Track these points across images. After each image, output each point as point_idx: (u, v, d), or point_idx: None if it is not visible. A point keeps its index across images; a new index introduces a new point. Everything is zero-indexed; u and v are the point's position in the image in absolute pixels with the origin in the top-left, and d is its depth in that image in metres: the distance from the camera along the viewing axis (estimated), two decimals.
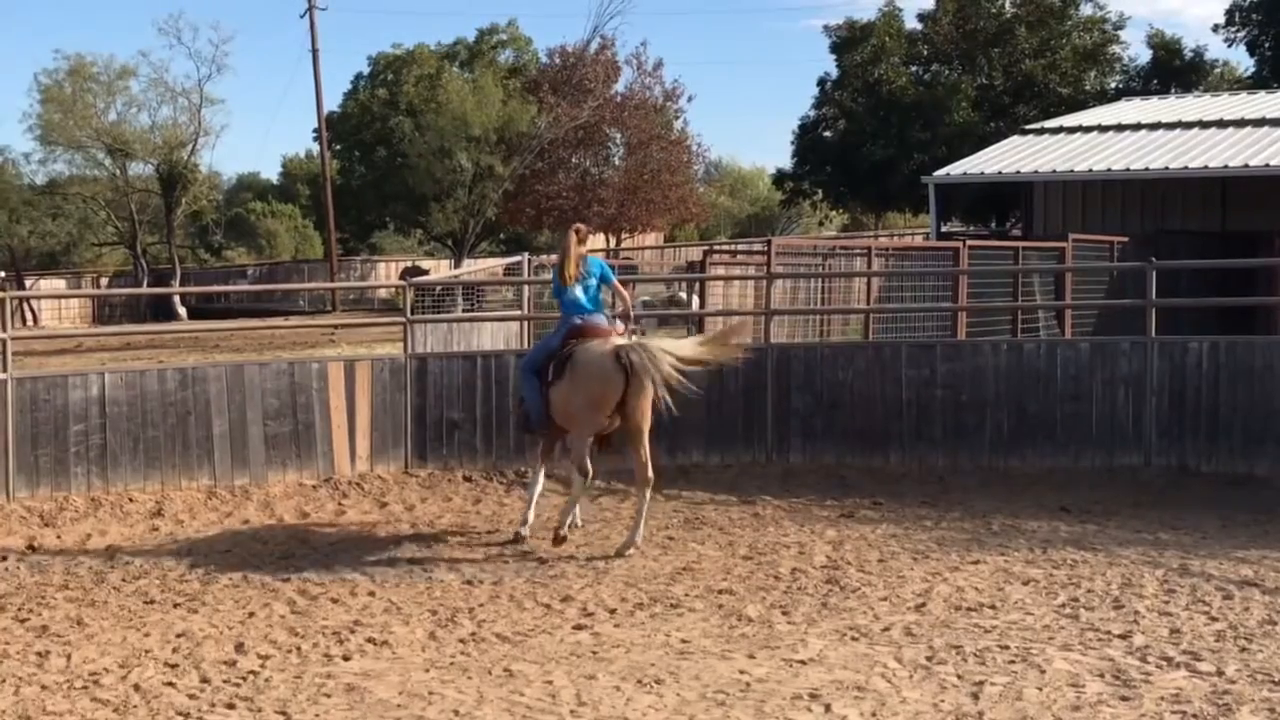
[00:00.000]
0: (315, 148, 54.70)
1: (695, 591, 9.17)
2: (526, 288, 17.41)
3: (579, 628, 8.32)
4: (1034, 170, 25.70)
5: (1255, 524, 11.16)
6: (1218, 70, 47.74)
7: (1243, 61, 50.24)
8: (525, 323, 17.37)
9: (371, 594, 9.20)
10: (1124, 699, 6.78)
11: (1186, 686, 6.96)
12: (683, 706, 6.78)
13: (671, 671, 7.33)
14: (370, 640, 8.05)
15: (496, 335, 18.29)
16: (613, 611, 8.67)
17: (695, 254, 32.01)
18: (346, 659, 7.71)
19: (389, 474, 13.16)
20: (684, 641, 7.95)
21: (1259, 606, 8.57)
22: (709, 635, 8.09)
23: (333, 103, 54.69)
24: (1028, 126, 31.53)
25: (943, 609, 8.61)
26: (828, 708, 6.71)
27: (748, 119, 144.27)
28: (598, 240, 50.72)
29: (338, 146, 53.95)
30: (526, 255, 20.18)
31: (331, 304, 46.94)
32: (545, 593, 9.18)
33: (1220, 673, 7.19)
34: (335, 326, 29.65)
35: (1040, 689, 6.95)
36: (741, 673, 7.29)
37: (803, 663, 7.48)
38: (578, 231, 10.98)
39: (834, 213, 58.75)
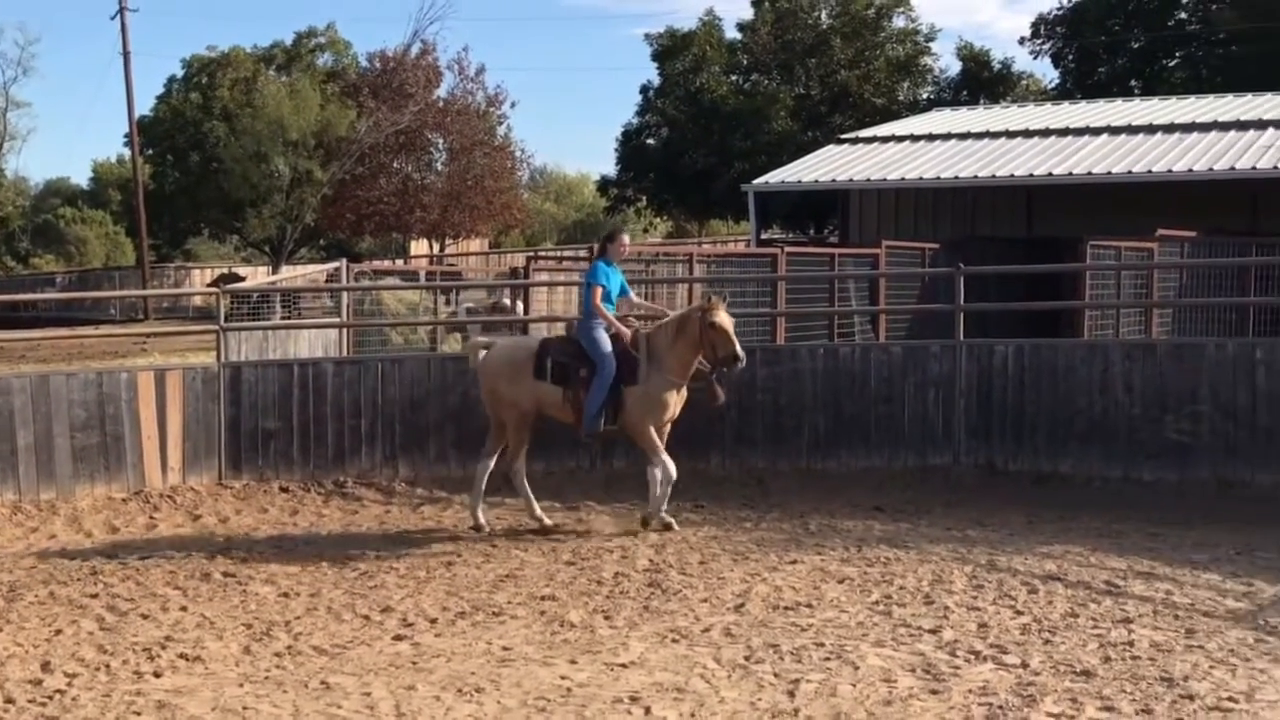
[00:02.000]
0: (127, 152, 53.30)
1: (518, 599, 9.15)
2: (346, 294, 17.18)
3: (399, 638, 8.23)
4: (849, 178, 26.24)
5: (1059, 520, 11.56)
6: (1024, 82, 49.33)
7: (1048, 73, 52.03)
8: (344, 330, 17.13)
9: (184, 609, 8.98)
10: (934, 692, 6.96)
11: (993, 679, 7.18)
12: (503, 714, 6.76)
13: (492, 679, 7.30)
14: (182, 656, 7.86)
15: (314, 343, 17.99)
16: (433, 621, 8.61)
17: (520, 260, 31.95)
18: (157, 675, 7.51)
19: (202, 486, 12.87)
20: (506, 649, 7.93)
21: (1062, 600, 8.87)
22: (531, 642, 8.08)
23: (145, 106, 53.16)
24: (843, 136, 32.18)
25: (761, 609, 8.74)
26: (648, 710, 6.76)
27: (573, 126, 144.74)
28: (420, 246, 50.39)
29: (150, 151, 52.57)
30: (345, 261, 19.92)
31: (144, 312, 45.66)
32: (364, 603, 9.06)
33: (1025, 665, 7.43)
34: (147, 335, 28.85)
35: (854, 685, 7.10)
36: (563, 678, 7.30)
37: (624, 666, 7.52)
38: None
39: (658, 219, 59.17)
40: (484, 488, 11.68)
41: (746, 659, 7.61)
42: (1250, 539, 10.72)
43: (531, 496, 11.64)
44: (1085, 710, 6.65)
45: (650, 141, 48.32)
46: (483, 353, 11.90)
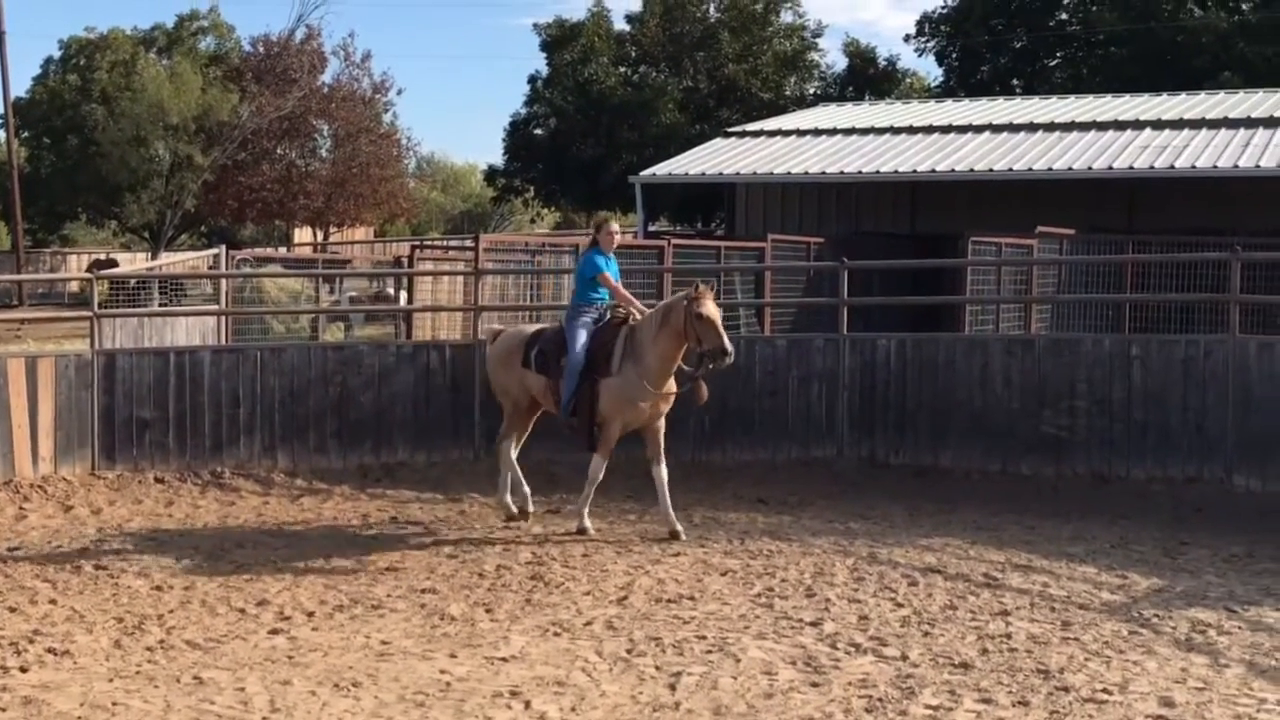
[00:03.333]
0: (1, 135, 51.79)
1: (398, 591, 9.02)
2: (225, 281, 16.86)
3: (275, 632, 8.08)
4: (736, 172, 26.32)
5: (939, 513, 11.69)
6: (909, 79, 49.89)
7: (932, 71, 52.70)
8: (223, 318, 16.80)
9: (53, 602, 8.73)
10: (814, 685, 6.98)
11: (873, 671, 7.22)
12: (380, 709, 6.65)
13: (370, 674, 7.18)
14: (50, 650, 7.63)
15: (192, 331, 17.62)
16: (310, 614, 8.46)
17: (405, 249, 31.65)
18: (24, 670, 7.29)
19: (75, 476, 12.53)
20: (384, 643, 7.81)
21: (941, 592, 8.96)
22: (410, 635, 7.97)
23: (20, 88, 51.73)
24: (730, 129, 32.28)
25: (644, 601, 8.71)
26: (528, 705, 6.69)
27: (460, 115, 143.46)
28: (304, 234, 49.69)
29: (26, 134, 51.16)
30: (224, 248, 19.55)
31: (18, 298, 44.48)
32: (240, 597, 8.88)
33: (905, 657, 7.48)
34: (21, 322, 28.07)
35: (735, 678, 7.09)
36: (442, 672, 7.21)
37: (504, 660, 7.44)
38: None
39: (546, 210, 58.95)
40: (516, 476, 11.52)
41: (629, 652, 7.58)
42: (1125, 532, 10.93)
43: (508, 484, 11.45)
44: (963, 702, 6.71)
45: (538, 132, 48.07)
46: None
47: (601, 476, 10.86)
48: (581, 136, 44.40)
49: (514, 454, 11.55)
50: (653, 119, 43.32)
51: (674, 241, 19.32)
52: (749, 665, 7.32)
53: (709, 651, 7.57)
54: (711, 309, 10.39)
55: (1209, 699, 6.76)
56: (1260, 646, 7.73)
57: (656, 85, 44.78)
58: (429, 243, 38.84)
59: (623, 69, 47.01)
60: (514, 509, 11.40)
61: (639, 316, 10.90)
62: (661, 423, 10.91)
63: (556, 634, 7.98)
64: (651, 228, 34.91)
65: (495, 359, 11.64)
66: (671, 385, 10.76)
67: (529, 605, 8.66)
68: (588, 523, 10.93)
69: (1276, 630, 8.08)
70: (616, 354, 10.73)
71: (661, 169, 27.95)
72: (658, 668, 7.29)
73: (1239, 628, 8.13)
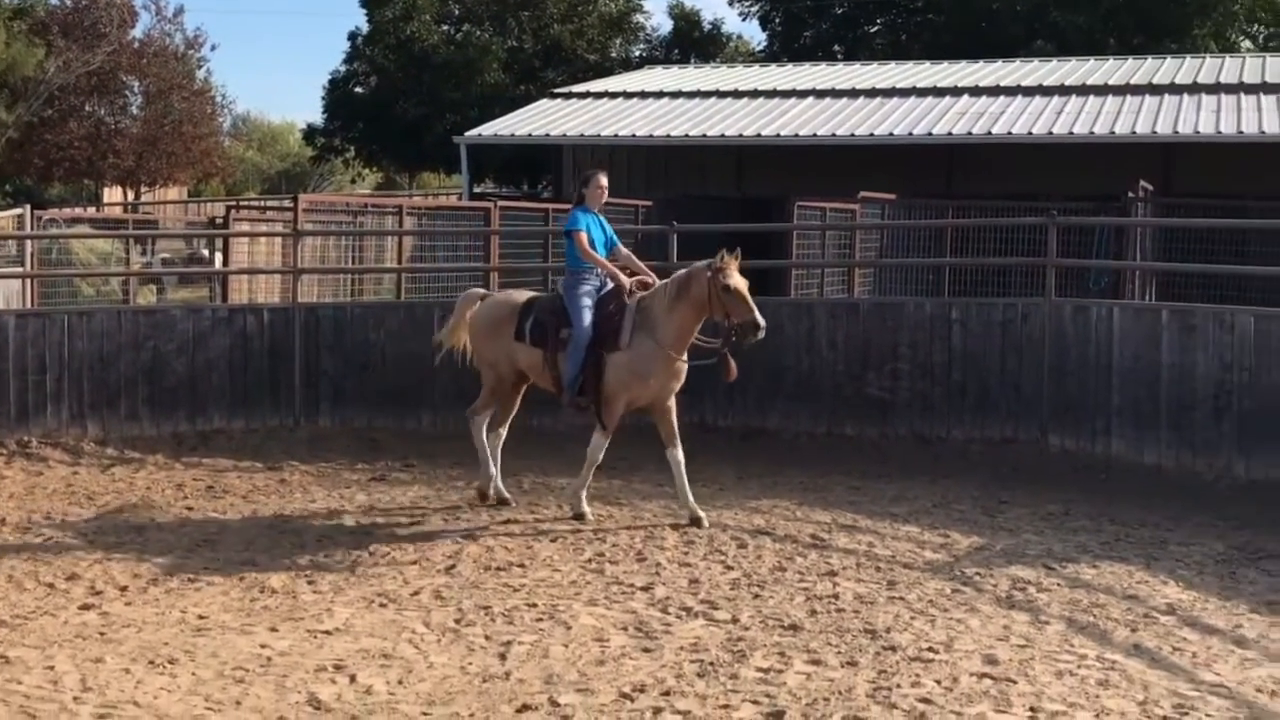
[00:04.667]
0: None
1: (215, 564, 8.72)
2: (31, 243, 16.14)
3: (86, 607, 7.73)
4: (563, 134, 26.16)
5: (767, 475, 11.76)
6: (734, 43, 50.18)
7: (756, 35, 53.02)
8: (28, 281, 16.09)
9: None
10: (646, 650, 6.92)
11: (704, 635, 7.19)
12: (198, 686, 6.40)
13: (187, 650, 6.91)
14: None
15: None
16: (124, 589, 8.12)
17: (220, 210, 30.77)
18: None
19: None
20: (201, 617, 7.53)
21: (770, 554, 8.99)
22: (229, 609, 7.70)
23: None
24: (557, 90, 32.07)
25: (473, 570, 8.56)
26: (353, 678, 6.50)
27: (277, 72, 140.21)
28: (114, 194, 48.05)
29: None
30: (29, 208, 18.73)
31: None
32: (49, 571, 8.48)
33: (735, 620, 7.47)
34: None
35: (566, 645, 7.00)
36: (263, 647, 6.97)
37: (328, 633, 7.23)
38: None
39: (367, 171, 57.90)
40: (495, 456, 10.54)
41: (457, 622, 7.43)
42: (946, 492, 11.12)
43: (489, 462, 10.44)
44: (793, 664, 6.72)
45: (359, 90, 47.11)
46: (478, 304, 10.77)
47: (601, 458, 10.03)
48: (404, 95, 43.63)
49: (485, 431, 10.52)
50: (477, 79, 42.79)
51: (500, 204, 19.10)
52: (580, 632, 7.23)
53: (540, 619, 7.47)
54: (739, 280, 9.56)
55: (1031, 656, 6.88)
56: (1079, 603, 7.90)
57: (481, 44, 44.22)
58: (245, 203, 37.81)
59: (446, 27, 46.30)
60: (500, 492, 10.47)
61: (626, 282, 10.00)
62: (673, 402, 10.09)
63: (382, 605, 7.79)
64: (477, 189, 34.57)
65: (480, 328, 10.54)
66: (682, 363, 9.94)
67: (353, 576, 8.44)
68: (586, 508, 10.00)
69: (1093, 587, 8.27)
70: (626, 326, 9.81)
71: (487, 129, 27.65)
72: (487, 637, 7.16)
73: (1058, 584, 8.31)
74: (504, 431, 10.74)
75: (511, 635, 7.18)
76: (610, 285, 10.07)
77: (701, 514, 9.83)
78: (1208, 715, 6.10)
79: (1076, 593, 8.13)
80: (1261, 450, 10.98)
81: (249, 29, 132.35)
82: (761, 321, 9.50)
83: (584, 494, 10.09)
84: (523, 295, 10.66)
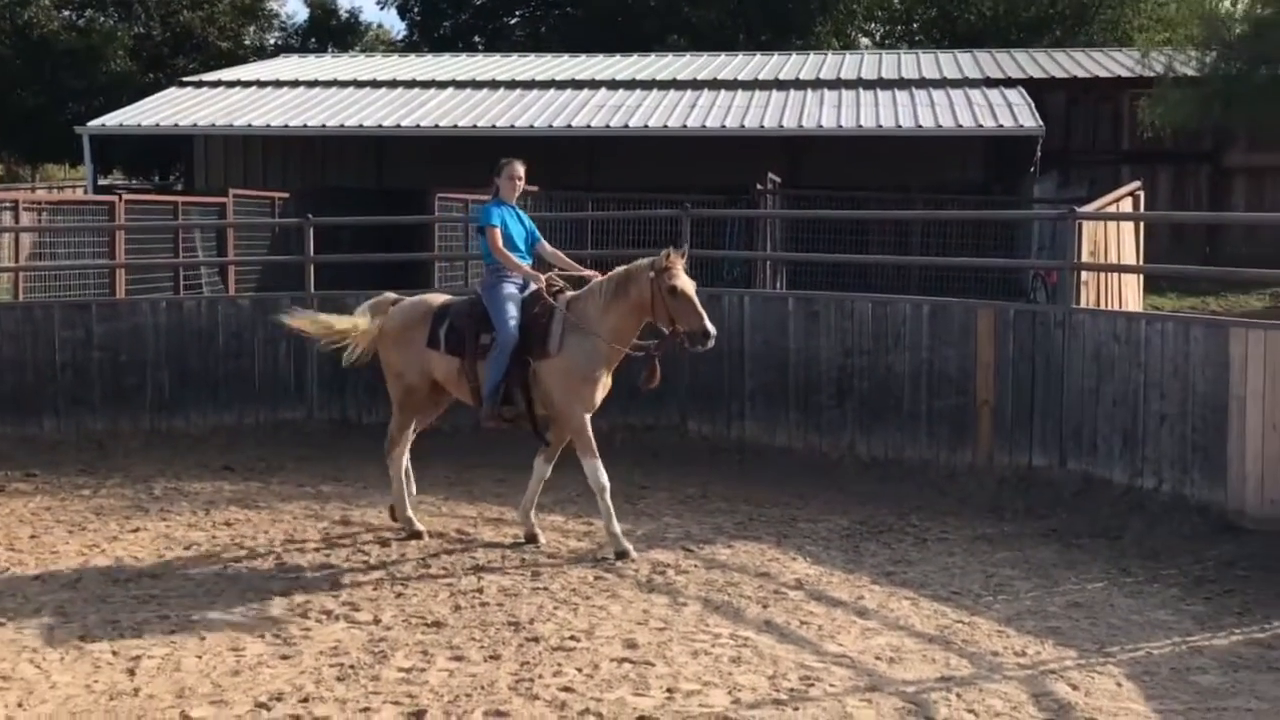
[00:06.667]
0: None
1: None
2: None
3: None
4: (194, 124, 25.27)
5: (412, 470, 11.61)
6: (373, 32, 49.58)
7: (396, 24, 52.55)
8: None
9: None
10: (284, 657, 6.76)
11: (345, 638, 7.07)
12: None
13: None
14: None
15: None
16: None
17: None
18: None
19: None
20: None
21: (414, 551, 8.92)
22: None
23: None
24: (187, 79, 30.93)
25: (100, 583, 8.16)
26: None
27: None
28: None
29: None
30: None
31: None
32: None
33: (377, 620, 7.38)
34: None
35: (200, 657, 6.76)
36: None
37: None
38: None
39: None
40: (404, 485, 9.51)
41: (82, 638, 7.06)
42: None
43: (405, 491, 9.48)
44: (436, 661, 6.69)
45: None
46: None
47: (607, 480, 8.79)
48: (22, 84, 41.20)
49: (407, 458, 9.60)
50: (102, 66, 40.86)
51: (126, 197, 18.30)
52: (215, 643, 6.98)
53: (172, 631, 7.18)
54: (686, 281, 8.61)
55: (669, 638, 7.07)
56: (714, 583, 8.16)
57: (105, 31, 42.23)
58: None
59: (67, 13, 44.01)
60: (418, 526, 9.36)
61: (542, 279, 9.07)
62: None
63: (1, 625, 7.33)
64: (103, 182, 33.01)
65: (390, 336, 9.46)
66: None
67: None
68: (626, 544, 8.81)
69: (728, 566, 8.56)
70: (555, 330, 8.86)
71: (112, 119, 26.40)
72: (115, 653, 6.83)
73: (695, 566, 8.56)
74: (412, 435, 9.77)
75: (141, 649, 6.88)
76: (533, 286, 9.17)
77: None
78: (831, 685, 6.40)
79: (713, 573, 8.40)
80: (880, 429, 11.59)
81: None
82: (712, 329, 8.54)
83: (618, 530, 8.86)
84: (438, 299, 9.61)
